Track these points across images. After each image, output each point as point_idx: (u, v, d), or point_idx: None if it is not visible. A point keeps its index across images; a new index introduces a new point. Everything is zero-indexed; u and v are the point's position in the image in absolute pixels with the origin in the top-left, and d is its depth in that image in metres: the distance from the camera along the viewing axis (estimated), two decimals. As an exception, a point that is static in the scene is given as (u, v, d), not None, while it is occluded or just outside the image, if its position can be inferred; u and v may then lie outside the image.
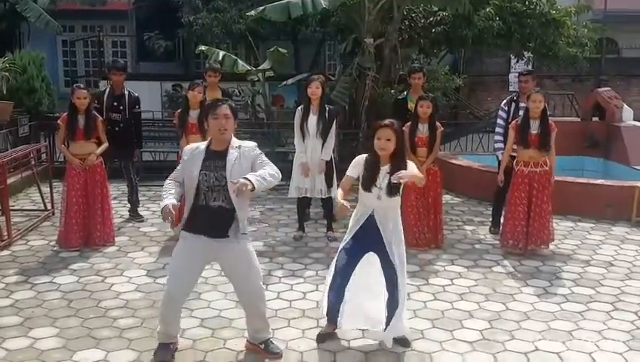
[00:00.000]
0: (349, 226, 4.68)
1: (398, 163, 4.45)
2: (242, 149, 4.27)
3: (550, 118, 6.83)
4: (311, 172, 7.10)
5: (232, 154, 4.22)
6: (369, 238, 4.53)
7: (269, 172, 4.17)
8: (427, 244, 6.95)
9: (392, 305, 4.52)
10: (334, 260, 4.67)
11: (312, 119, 7.03)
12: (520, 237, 6.78)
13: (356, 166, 4.58)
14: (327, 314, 4.68)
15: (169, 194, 4.25)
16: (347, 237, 4.66)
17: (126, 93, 8.05)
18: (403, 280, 4.55)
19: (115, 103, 7.94)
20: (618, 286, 5.99)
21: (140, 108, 8.26)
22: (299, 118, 7.10)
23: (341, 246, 4.67)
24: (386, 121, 4.48)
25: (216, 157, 4.22)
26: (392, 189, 4.43)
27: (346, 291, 4.58)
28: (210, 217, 4.21)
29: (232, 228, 4.24)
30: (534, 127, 6.63)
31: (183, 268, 4.31)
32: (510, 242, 6.84)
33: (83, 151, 6.91)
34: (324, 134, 7.05)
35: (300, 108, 7.23)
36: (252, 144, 4.37)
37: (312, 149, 7.09)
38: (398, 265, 4.49)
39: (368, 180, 4.48)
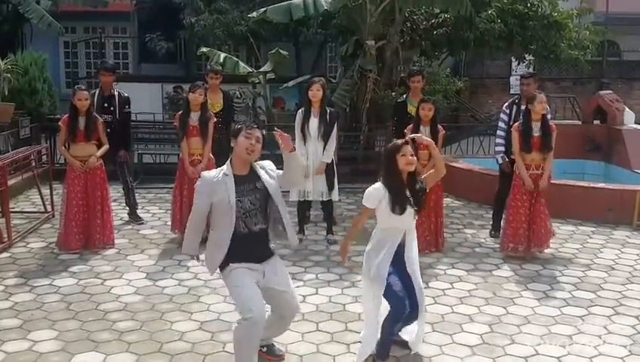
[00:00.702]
0: (376, 263, 4.35)
1: (416, 177, 4.42)
2: (267, 169, 4.23)
3: (552, 121, 6.81)
4: (312, 175, 7.09)
5: (264, 175, 4.18)
6: (400, 260, 4.41)
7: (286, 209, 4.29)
8: (427, 247, 6.93)
9: (411, 320, 4.52)
10: (385, 302, 4.36)
11: (313, 122, 7.02)
12: (521, 240, 6.76)
13: (372, 196, 4.35)
14: (382, 348, 4.44)
15: (194, 239, 4.20)
16: (385, 266, 4.32)
17: (116, 93, 7.99)
18: (422, 298, 4.46)
19: (106, 104, 7.87)
20: (619, 290, 5.97)
21: (129, 108, 8.18)
22: (300, 121, 7.09)
23: (384, 277, 4.33)
24: (404, 140, 4.42)
25: (245, 181, 4.13)
26: (422, 199, 4.39)
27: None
28: (255, 242, 4.15)
29: (272, 245, 4.27)
30: (536, 130, 6.63)
31: (251, 291, 4.03)
32: (511, 245, 6.82)
33: (84, 153, 6.90)
34: (325, 137, 7.04)
35: (300, 110, 7.21)
36: (270, 163, 4.32)
37: (313, 152, 7.08)
38: (417, 282, 4.41)
39: (403, 201, 4.30)
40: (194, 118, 7.02)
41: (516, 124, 6.86)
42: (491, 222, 7.80)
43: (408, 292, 4.37)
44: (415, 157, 4.34)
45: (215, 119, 7.21)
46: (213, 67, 8.51)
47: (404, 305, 4.31)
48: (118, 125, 7.91)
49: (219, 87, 8.06)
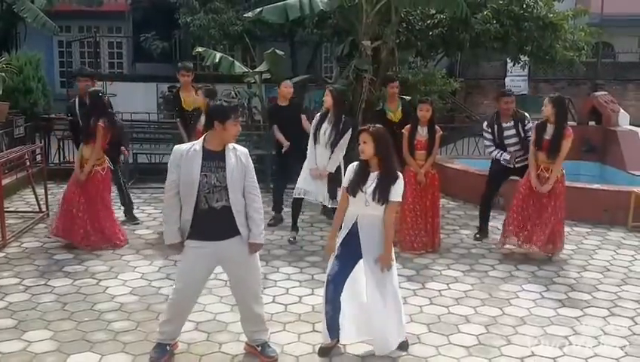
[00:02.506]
0: (340, 232, 4.63)
1: (385, 171, 4.40)
2: (238, 153, 4.24)
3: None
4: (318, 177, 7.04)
5: (231, 157, 4.20)
6: (356, 245, 4.46)
7: (259, 208, 4.31)
8: (423, 248, 6.93)
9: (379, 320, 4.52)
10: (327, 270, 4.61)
11: (325, 127, 6.96)
12: (520, 230, 6.77)
13: (346, 175, 4.59)
14: (327, 328, 4.57)
15: (172, 222, 4.28)
16: (337, 244, 4.59)
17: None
18: (384, 293, 4.44)
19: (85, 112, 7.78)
20: (614, 291, 5.99)
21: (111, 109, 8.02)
22: (315, 124, 7.06)
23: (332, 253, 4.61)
24: (365, 126, 4.51)
25: (215, 158, 4.18)
26: (379, 197, 4.35)
27: (342, 302, 4.51)
28: (215, 220, 4.19)
29: (241, 226, 4.24)
30: (549, 132, 6.62)
31: (192, 274, 4.31)
32: (510, 235, 6.82)
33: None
34: (333, 145, 6.94)
35: (319, 113, 7.17)
36: (245, 150, 4.34)
37: (320, 156, 6.99)
38: (372, 279, 4.41)
39: (354, 184, 4.45)
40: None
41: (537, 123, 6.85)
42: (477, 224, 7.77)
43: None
44: (363, 146, 4.39)
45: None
46: (184, 64, 8.44)
47: (328, 287, 4.48)
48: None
49: (191, 85, 8.06)
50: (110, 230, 7.03)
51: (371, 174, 4.43)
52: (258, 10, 10.05)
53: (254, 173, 4.33)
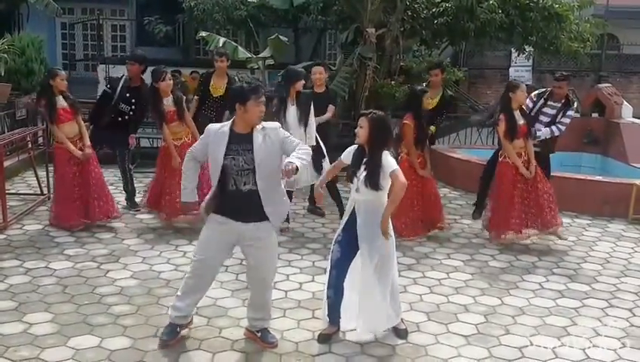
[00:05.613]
0: (342, 218, 4.65)
1: (370, 158, 4.38)
2: (266, 132, 4.23)
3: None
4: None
5: (258, 137, 4.18)
6: (355, 231, 4.46)
7: (305, 151, 4.21)
8: (416, 232, 6.97)
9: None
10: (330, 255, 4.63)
11: (290, 109, 6.84)
12: (517, 226, 6.77)
13: (349, 152, 4.58)
14: (327, 315, 4.59)
15: (188, 181, 4.41)
16: (339, 229, 4.63)
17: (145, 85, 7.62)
18: (378, 280, 4.43)
19: (128, 95, 7.57)
20: (613, 283, 6.00)
21: None
22: (277, 110, 6.85)
23: (334, 238, 4.63)
24: (366, 110, 4.54)
25: (242, 140, 4.17)
26: (370, 183, 4.32)
27: (344, 288, 4.52)
28: (241, 202, 4.20)
29: (268, 211, 4.24)
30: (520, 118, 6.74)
31: (213, 246, 4.33)
32: (507, 233, 6.81)
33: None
34: (303, 120, 6.85)
35: (276, 100, 6.97)
36: (274, 125, 4.34)
37: (298, 137, 6.88)
38: (369, 265, 4.40)
39: (352, 170, 4.49)
40: (168, 103, 6.93)
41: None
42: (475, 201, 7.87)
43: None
44: (359, 130, 4.41)
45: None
46: (219, 50, 8.39)
47: (331, 272, 4.51)
48: (134, 118, 7.69)
49: (226, 72, 8.03)
50: (106, 203, 7.04)
51: (364, 160, 4.43)
52: (263, -6, 10.04)
53: (292, 138, 4.30)
